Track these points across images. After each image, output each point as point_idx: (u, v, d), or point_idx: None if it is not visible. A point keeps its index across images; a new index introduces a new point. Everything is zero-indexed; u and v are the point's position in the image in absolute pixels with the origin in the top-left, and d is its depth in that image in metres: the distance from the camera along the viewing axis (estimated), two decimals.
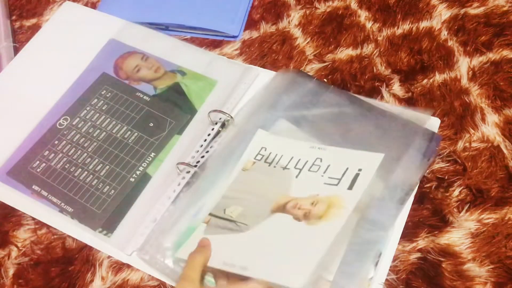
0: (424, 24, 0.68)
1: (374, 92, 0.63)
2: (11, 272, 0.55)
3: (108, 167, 0.59)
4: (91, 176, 0.58)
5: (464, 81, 0.63)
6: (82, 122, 0.62)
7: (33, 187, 0.58)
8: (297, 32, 0.69)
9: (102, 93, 0.64)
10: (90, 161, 0.59)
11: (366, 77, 0.64)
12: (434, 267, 0.51)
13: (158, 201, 0.56)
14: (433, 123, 0.59)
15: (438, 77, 0.63)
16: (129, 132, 0.61)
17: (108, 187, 0.58)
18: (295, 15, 0.71)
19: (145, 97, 0.64)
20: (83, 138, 0.61)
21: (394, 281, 0.51)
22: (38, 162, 0.60)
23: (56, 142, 0.61)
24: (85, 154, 0.60)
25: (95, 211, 0.56)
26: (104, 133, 0.61)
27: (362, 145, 0.56)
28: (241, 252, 0.49)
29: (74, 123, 0.62)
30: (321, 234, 0.51)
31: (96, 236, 0.55)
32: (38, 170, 0.59)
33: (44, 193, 0.58)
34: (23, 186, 0.58)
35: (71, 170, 0.59)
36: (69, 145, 0.61)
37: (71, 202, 0.57)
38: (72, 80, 0.66)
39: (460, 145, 0.58)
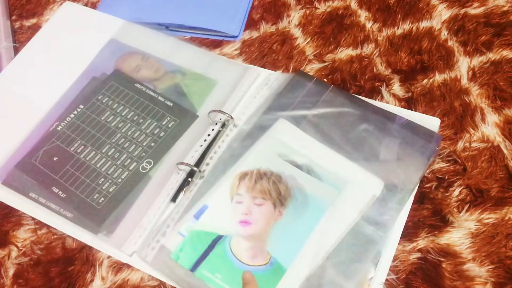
0: (424, 24, 0.68)
1: (374, 92, 0.63)
2: (11, 272, 0.55)
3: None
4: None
5: (464, 81, 0.63)
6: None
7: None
8: (297, 32, 0.69)
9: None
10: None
11: (366, 77, 0.64)
12: (434, 267, 0.51)
13: (158, 201, 0.56)
14: (433, 123, 0.59)
15: (438, 77, 0.63)
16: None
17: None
18: (295, 15, 0.71)
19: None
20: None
21: (394, 281, 0.51)
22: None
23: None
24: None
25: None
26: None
27: (362, 146, 0.56)
28: None
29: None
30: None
31: (96, 236, 0.55)
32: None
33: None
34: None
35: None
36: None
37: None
38: (71, 81, 0.66)
39: (460, 145, 0.58)
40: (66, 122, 0.63)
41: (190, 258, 0.51)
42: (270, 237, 0.52)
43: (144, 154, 0.60)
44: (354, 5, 0.71)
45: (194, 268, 0.51)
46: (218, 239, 0.52)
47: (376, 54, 0.66)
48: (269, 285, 0.49)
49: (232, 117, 0.60)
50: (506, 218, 0.53)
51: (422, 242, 0.53)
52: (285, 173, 0.55)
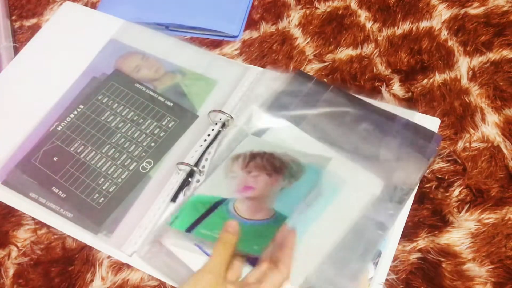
0: (424, 24, 0.68)
1: (374, 92, 0.63)
2: (11, 272, 0.55)
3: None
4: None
5: (464, 81, 0.63)
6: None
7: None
8: (297, 32, 0.69)
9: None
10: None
11: (366, 77, 0.64)
12: (434, 267, 0.51)
13: (158, 201, 0.56)
14: (433, 123, 0.59)
15: (438, 77, 0.63)
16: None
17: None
18: (295, 15, 0.71)
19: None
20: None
21: (394, 281, 0.51)
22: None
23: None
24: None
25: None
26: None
27: (362, 146, 0.56)
28: None
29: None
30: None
31: (96, 236, 0.55)
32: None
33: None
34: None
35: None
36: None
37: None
38: (71, 81, 0.66)
39: (460, 145, 0.58)
40: (66, 122, 0.62)
41: (187, 221, 0.52)
42: (271, 196, 0.52)
43: (144, 154, 0.60)
44: (354, 5, 0.71)
45: (190, 229, 0.51)
46: (221, 201, 0.53)
47: (376, 54, 0.66)
48: (270, 232, 0.49)
49: (232, 117, 0.60)
50: (506, 218, 0.53)
51: (422, 242, 0.53)
52: (277, 151, 0.56)
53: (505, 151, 0.57)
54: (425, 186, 0.56)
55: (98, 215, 0.56)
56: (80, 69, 0.67)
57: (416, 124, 0.58)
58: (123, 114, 0.63)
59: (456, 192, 0.55)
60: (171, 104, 0.63)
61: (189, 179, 0.57)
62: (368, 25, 0.69)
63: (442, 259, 0.51)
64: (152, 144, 0.60)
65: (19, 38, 0.73)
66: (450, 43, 0.66)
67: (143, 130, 0.61)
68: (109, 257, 0.54)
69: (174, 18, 0.71)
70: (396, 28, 0.68)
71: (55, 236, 0.56)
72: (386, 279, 0.50)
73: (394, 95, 0.62)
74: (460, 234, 0.53)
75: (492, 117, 0.60)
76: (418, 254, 0.52)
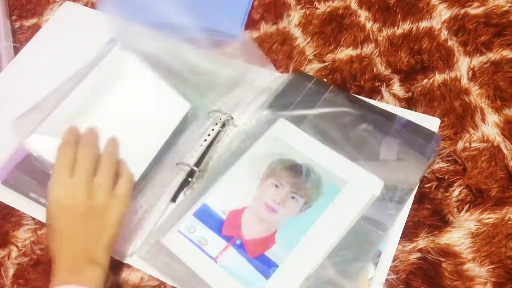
0: (424, 24, 0.68)
1: (374, 92, 0.63)
2: (11, 272, 0.55)
3: None
4: None
5: (464, 81, 0.63)
6: None
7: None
8: (297, 32, 0.69)
9: None
10: None
11: (366, 77, 0.64)
12: (434, 267, 0.51)
13: (158, 201, 0.56)
14: (433, 123, 0.59)
15: (438, 77, 0.63)
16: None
17: None
18: (295, 15, 0.71)
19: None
20: None
21: (394, 281, 0.51)
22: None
23: None
24: None
25: None
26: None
27: (362, 146, 0.56)
28: None
29: None
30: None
31: None
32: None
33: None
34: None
35: None
36: None
37: None
38: None
39: (460, 145, 0.58)
40: None
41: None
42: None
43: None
44: (354, 5, 0.71)
45: None
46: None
47: (376, 54, 0.66)
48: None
49: (232, 117, 0.60)
50: (506, 218, 0.53)
51: (422, 242, 0.53)
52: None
53: (505, 151, 0.57)
54: (425, 186, 0.56)
55: None
56: None
57: (416, 124, 0.58)
58: None
59: (456, 192, 0.55)
60: None
61: (189, 179, 0.57)
62: (368, 25, 0.69)
63: (442, 259, 0.51)
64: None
65: (19, 38, 0.73)
66: (450, 43, 0.66)
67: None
68: None
69: (174, 18, 0.71)
70: (396, 28, 0.68)
71: None
72: (386, 279, 0.50)
73: (394, 95, 0.62)
74: (460, 234, 0.53)
75: (492, 117, 0.60)
76: (418, 254, 0.52)
